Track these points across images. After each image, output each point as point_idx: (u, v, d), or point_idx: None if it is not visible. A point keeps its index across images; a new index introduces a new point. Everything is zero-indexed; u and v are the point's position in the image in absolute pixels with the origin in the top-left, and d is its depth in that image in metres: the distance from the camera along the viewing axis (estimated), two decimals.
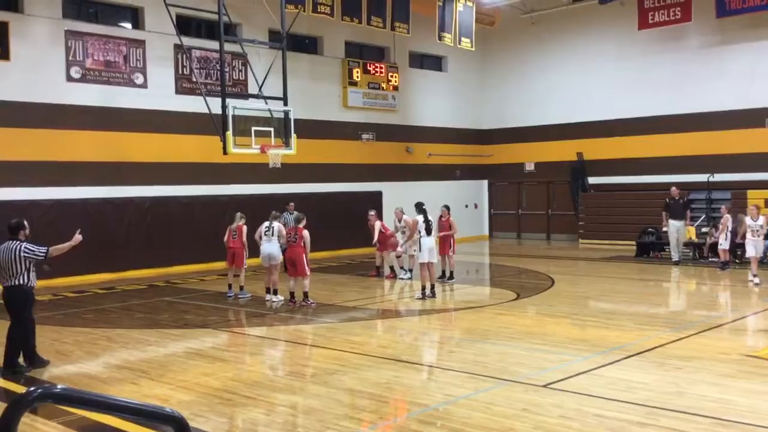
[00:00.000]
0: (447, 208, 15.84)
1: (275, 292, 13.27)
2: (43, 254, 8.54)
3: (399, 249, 16.27)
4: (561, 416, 6.33)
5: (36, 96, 16.28)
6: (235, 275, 14.07)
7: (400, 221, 16.14)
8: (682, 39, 22.20)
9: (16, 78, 15.96)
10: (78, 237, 8.74)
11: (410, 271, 16.01)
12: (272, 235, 13.34)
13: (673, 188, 18.45)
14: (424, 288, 13.31)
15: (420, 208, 13.78)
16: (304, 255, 12.79)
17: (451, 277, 15.57)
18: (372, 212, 17.08)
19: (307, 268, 12.81)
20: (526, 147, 26.07)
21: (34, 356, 8.71)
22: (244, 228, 13.94)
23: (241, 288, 13.96)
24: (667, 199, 18.30)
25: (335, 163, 22.04)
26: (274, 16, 16.72)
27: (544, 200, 26.30)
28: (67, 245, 8.72)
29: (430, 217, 13.75)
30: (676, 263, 18.01)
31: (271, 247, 13.26)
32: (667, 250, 19.67)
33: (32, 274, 8.65)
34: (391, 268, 16.53)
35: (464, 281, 16.03)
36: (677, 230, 17.98)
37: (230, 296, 13.95)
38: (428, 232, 13.57)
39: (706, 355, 8.51)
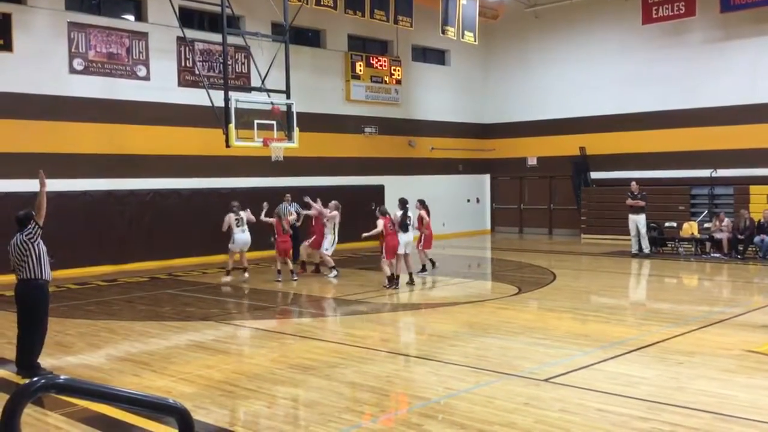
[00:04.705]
0: (420, 202, 16.06)
1: (245, 270, 15.17)
2: (35, 229, 7.88)
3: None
4: (562, 410, 6.34)
5: (38, 88, 16.27)
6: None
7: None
8: (686, 34, 22.12)
9: (18, 70, 15.95)
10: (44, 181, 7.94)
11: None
12: (244, 224, 15.13)
13: (633, 183, 19.21)
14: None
15: (403, 205, 14.40)
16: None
17: (423, 269, 15.83)
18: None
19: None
20: (529, 141, 26.02)
21: (34, 366, 7.93)
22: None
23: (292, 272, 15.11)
24: (629, 194, 18.91)
25: (338, 156, 22.02)
26: (276, 8, 16.69)
27: (546, 195, 26.27)
28: (42, 194, 7.94)
29: (409, 214, 14.37)
30: (635, 255, 18.53)
31: (246, 236, 15.15)
32: (670, 245, 19.73)
33: (45, 266, 7.97)
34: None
35: (466, 275, 16.05)
36: (636, 223, 18.67)
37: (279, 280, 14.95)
38: (404, 228, 14.06)
39: (707, 350, 8.51)
